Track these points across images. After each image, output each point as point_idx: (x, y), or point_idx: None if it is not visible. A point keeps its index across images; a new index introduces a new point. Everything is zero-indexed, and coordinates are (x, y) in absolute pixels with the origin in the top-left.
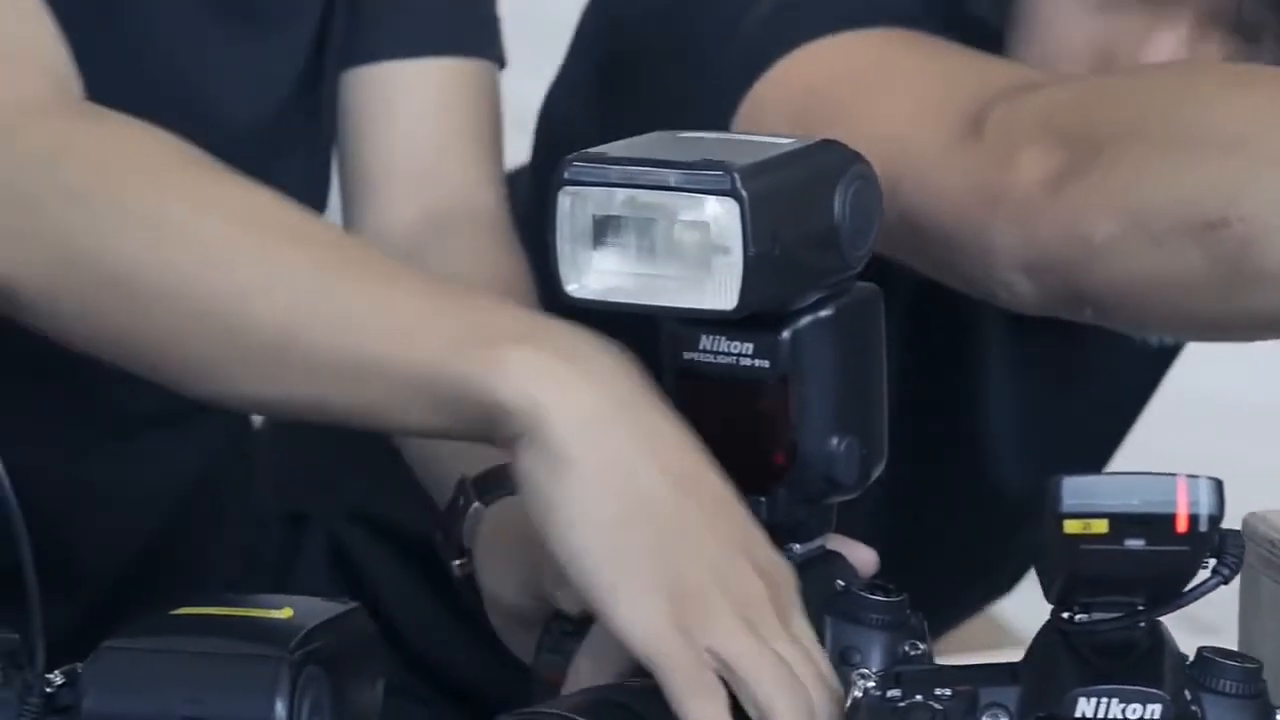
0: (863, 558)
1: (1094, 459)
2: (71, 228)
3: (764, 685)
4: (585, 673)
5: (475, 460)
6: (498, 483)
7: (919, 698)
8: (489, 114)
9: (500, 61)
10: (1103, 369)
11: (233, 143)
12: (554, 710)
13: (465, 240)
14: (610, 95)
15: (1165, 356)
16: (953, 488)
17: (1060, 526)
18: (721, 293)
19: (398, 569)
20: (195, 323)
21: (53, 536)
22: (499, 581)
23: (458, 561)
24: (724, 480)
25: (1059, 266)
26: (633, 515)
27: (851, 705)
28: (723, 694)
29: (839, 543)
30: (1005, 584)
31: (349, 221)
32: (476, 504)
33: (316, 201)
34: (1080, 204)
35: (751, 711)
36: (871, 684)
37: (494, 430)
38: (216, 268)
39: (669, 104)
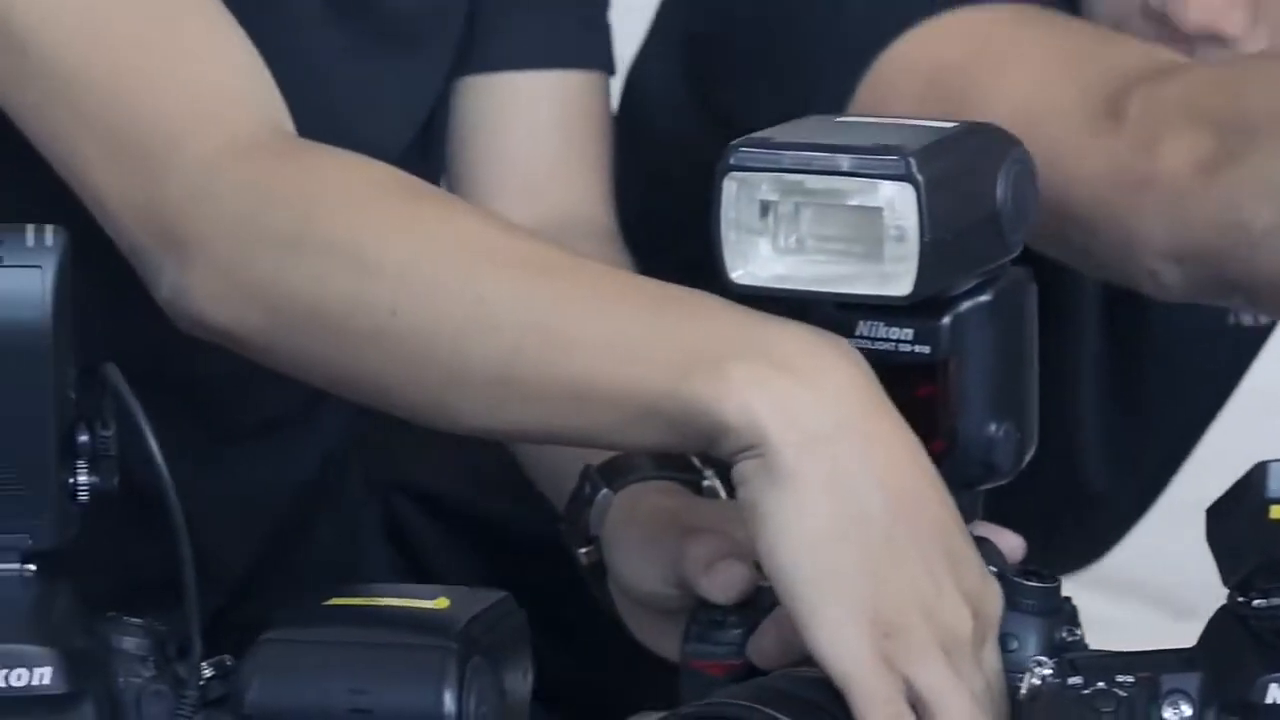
0: (1011, 543)
1: (1178, 451)
2: (281, 275)
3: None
4: (772, 649)
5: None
6: (626, 469)
7: (1101, 685)
8: (600, 126)
9: (610, 70)
10: (1187, 360)
11: None
12: (733, 701)
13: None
14: (706, 77)
15: (1250, 345)
16: (1042, 485)
17: (1265, 512)
18: (895, 279)
19: (449, 542)
20: (413, 363)
21: (176, 543)
22: (634, 570)
23: (584, 549)
24: (945, 495)
25: (1212, 254)
26: (844, 535)
27: (1029, 694)
28: None
29: (986, 529)
30: (1076, 565)
31: None
32: (605, 490)
33: None
34: (1236, 191)
35: None
36: (1049, 671)
37: (718, 447)
38: (430, 307)
39: (777, 83)
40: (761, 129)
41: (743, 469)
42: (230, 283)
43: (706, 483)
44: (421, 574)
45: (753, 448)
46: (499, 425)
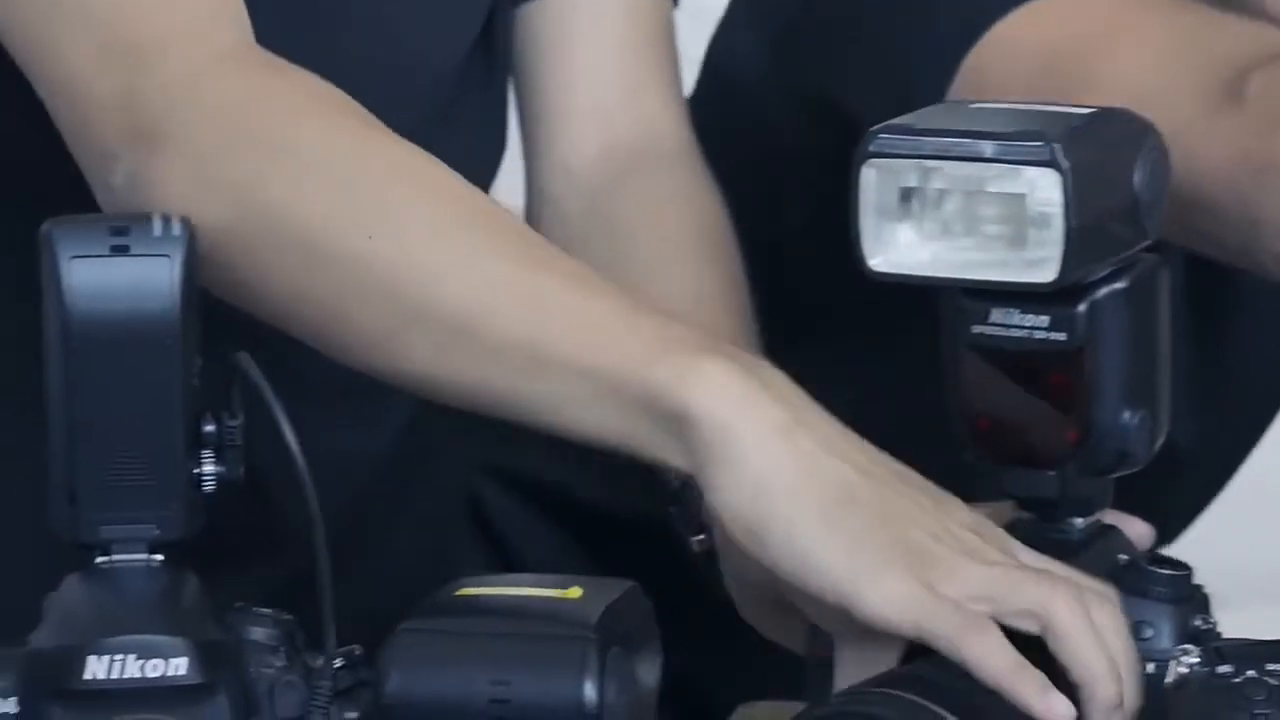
0: (1139, 531)
1: (1265, 409)
2: (260, 177)
3: (1029, 588)
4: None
5: None
6: None
7: (1251, 673)
8: (668, 42)
9: None
10: (1272, 316)
11: (414, 91)
12: (872, 690)
13: (654, 176)
14: (794, 58)
15: None
16: None
17: None
18: (1039, 266)
19: (529, 521)
20: (377, 292)
21: (253, 503)
22: (750, 561)
23: (697, 538)
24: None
25: None
26: (840, 508)
27: (1176, 682)
28: (994, 626)
29: (1115, 516)
30: (1169, 535)
31: (530, 163)
32: None
33: (494, 148)
34: None
35: (1029, 623)
36: (1196, 660)
37: (675, 439)
38: (407, 240)
39: (869, 70)
40: (854, 109)
41: (717, 492)
42: (203, 178)
43: None
44: (509, 561)
45: (716, 449)
46: (446, 376)
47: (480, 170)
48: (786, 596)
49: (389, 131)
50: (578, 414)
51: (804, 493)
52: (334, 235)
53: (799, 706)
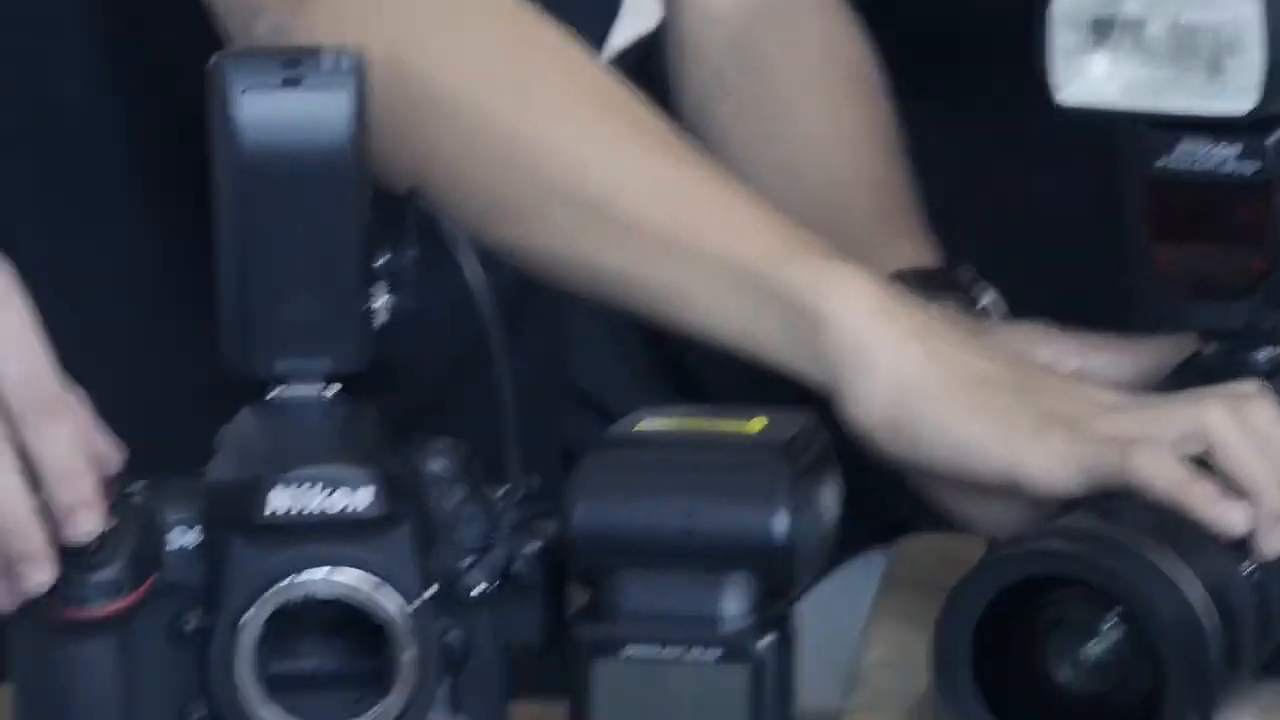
0: None
1: None
2: (411, 43)
3: (1181, 412)
4: None
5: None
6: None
7: None
8: None
9: None
10: None
11: None
12: (1069, 525)
13: (796, 16)
14: None
15: None
16: None
17: None
18: (1236, 94)
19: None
20: (518, 166)
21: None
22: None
23: None
24: None
25: None
26: (982, 392)
27: None
28: (1159, 445)
29: None
30: None
31: (670, 7)
32: None
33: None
34: None
35: (1192, 445)
36: None
37: (802, 347)
38: (553, 119)
39: None
40: None
41: (862, 404)
42: (351, 37)
43: (983, 302)
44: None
45: (856, 357)
46: (577, 256)
47: (600, 20)
48: (937, 504)
49: (542, 15)
50: (706, 306)
51: (947, 386)
52: (482, 106)
53: (965, 541)
